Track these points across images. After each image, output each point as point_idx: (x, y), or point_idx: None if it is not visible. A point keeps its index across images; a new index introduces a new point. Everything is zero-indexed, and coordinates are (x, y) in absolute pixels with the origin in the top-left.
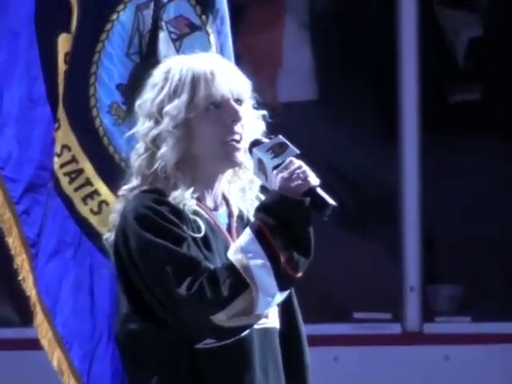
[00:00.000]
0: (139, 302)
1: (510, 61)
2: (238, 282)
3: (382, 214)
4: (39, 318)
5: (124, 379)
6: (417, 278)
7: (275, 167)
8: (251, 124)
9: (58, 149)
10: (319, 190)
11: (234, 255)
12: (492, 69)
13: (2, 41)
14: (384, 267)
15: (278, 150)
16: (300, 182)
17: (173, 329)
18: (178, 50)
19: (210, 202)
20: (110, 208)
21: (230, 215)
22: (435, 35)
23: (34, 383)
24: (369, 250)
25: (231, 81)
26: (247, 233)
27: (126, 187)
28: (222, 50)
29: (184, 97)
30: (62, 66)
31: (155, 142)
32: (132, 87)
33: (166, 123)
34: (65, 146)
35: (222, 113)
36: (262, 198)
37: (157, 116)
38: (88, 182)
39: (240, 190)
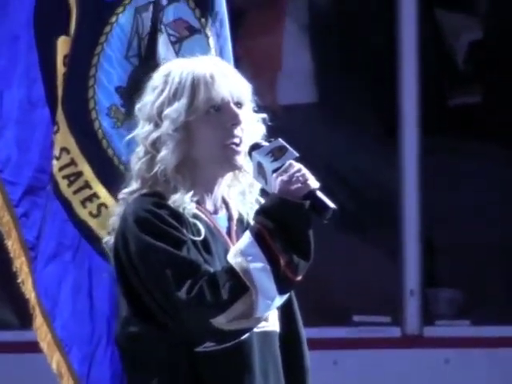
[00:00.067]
0: (139, 305)
1: (510, 64)
2: (238, 285)
3: (381, 218)
4: (38, 320)
5: (123, 382)
6: (417, 281)
7: (275, 170)
8: (251, 127)
9: (56, 152)
10: (319, 193)
11: (233, 258)
12: (492, 72)
13: (2, 44)
14: (384, 270)
15: (277, 154)
16: (300, 185)
17: (172, 332)
18: (177, 53)
19: (209, 206)
20: (109, 211)
21: (229, 218)
22: (435, 38)
23: None
24: (369, 253)
25: (231, 84)
26: (247, 236)
27: (125, 190)
28: (221, 53)
29: (184, 100)
30: (60, 69)
31: (155, 146)
32: (131, 90)
33: (165, 126)
34: (64, 149)
35: (222, 116)
36: (262, 201)
37: (157, 119)
38: (87, 185)
39: (240, 193)
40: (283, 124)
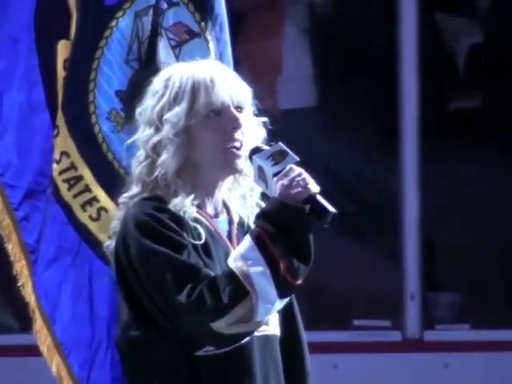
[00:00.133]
0: (139, 309)
1: (510, 68)
2: (238, 289)
3: (381, 222)
4: (38, 324)
5: None
6: (417, 285)
7: (275, 174)
8: (252, 131)
9: (56, 155)
10: (319, 197)
11: (233, 262)
12: (492, 76)
13: (2, 47)
14: (384, 274)
15: (278, 158)
16: (300, 189)
17: (173, 336)
18: (177, 57)
19: (210, 209)
20: (109, 214)
21: (230, 222)
22: (435, 42)
23: None
24: (369, 257)
25: (231, 88)
26: (247, 240)
27: (126, 194)
28: (221, 57)
29: (184, 104)
30: (61, 73)
31: (156, 150)
32: (131, 94)
33: (166, 130)
34: (64, 153)
35: (223, 120)
36: (263, 204)
37: (157, 123)
38: (87, 189)
39: (240, 197)
40: (283, 128)
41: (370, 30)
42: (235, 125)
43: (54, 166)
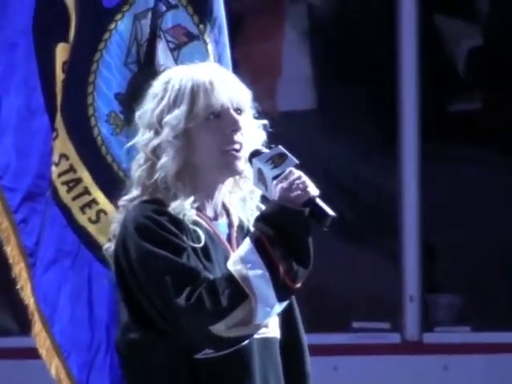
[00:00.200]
0: (139, 312)
1: (510, 71)
2: (237, 292)
3: (381, 224)
4: (37, 326)
5: None
6: (416, 287)
7: (275, 177)
8: (252, 134)
9: (55, 158)
10: (319, 201)
11: (233, 265)
12: (492, 79)
13: (0, 51)
14: (383, 277)
15: (277, 161)
16: (299, 192)
17: (172, 339)
18: (175, 60)
19: (210, 212)
20: (109, 217)
21: (230, 225)
22: (435, 45)
23: None
24: (368, 259)
25: (231, 90)
26: (247, 243)
27: (126, 197)
28: (220, 60)
29: (184, 107)
30: (59, 76)
31: (155, 153)
32: (130, 96)
33: (166, 133)
34: (63, 155)
35: (222, 122)
36: (263, 207)
37: (157, 126)
38: (86, 191)
39: (241, 199)
40: (282, 130)
41: (369, 32)
42: (235, 127)
43: (53, 168)
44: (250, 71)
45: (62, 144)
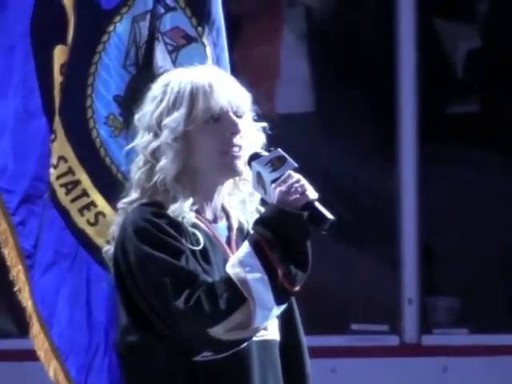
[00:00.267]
0: (138, 314)
1: (509, 73)
2: (236, 295)
3: (379, 227)
4: (35, 328)
5: None
6: (415, 289)
7: (274, 181)
8: (251, 136)
9: (54, 160)
10: (317, 204)
11: (231, 269)
12: (490, 81)
13: None
14: (382, 279)
15: (276, 164)
16: (298, 195)
17: (171, 341)
18: (174, 62)
19: (209, 215)
20: (107, 219)
21: (229, 228)
22: (434, 47)
23: None
24: (367, 262)
25: (230, 93)
26: (245, 246)
27: (125, 200)
28: (218, 62)
29: (183, 110)
30: (58, 78)
31: (154, 155)
32: (129, 99)
33: (165, 136)
34: (61, 158)
35: (221, 125)
36: (262, 210)
37: (156, 129)
38: (84, 194)
39: (240, 202)
40: (281, 133)
41: (368, 34)
42: (234, 130)
43: (52, 170)
44: (249, 74)
45: (61, 146)
